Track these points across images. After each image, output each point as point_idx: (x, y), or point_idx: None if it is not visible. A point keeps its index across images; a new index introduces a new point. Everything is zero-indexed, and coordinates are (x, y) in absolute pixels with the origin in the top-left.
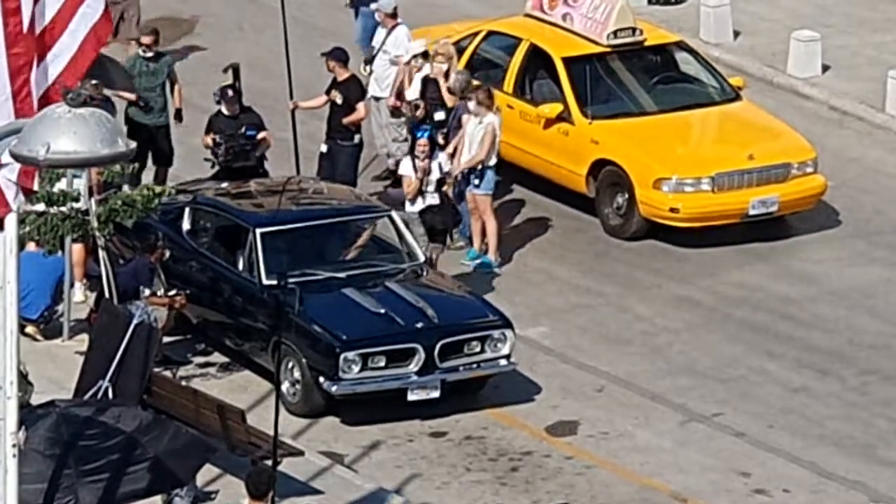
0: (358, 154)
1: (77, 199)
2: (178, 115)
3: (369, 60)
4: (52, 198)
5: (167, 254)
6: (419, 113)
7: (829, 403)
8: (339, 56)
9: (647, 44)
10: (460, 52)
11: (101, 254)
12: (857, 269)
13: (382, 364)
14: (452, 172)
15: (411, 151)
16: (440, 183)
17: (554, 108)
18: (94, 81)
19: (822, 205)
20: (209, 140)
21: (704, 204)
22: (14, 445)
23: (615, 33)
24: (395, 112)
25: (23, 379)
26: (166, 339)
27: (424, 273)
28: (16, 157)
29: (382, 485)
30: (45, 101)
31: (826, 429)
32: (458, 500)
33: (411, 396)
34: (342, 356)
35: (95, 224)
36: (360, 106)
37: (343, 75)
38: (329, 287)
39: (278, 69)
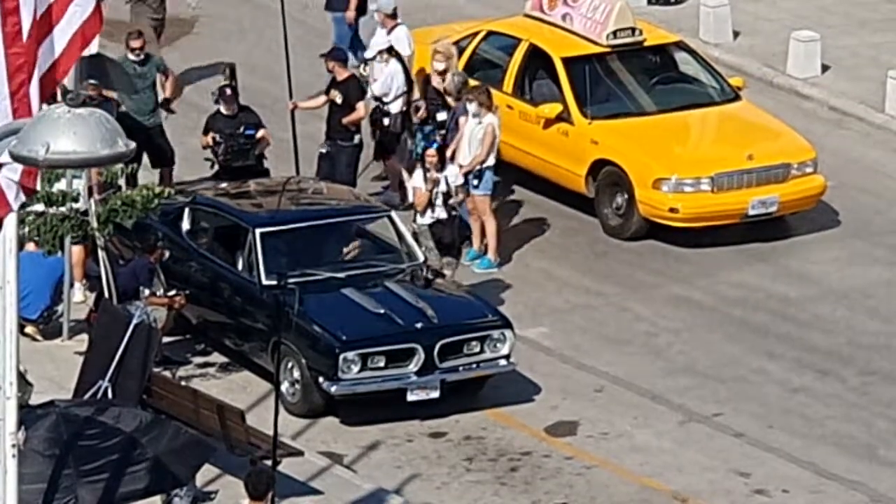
0: (358, 154)
1: (76, 200)
2: (166, 105)
3: (368, 61)
4: (51, 198)
5: (167, 254)
6: (420, 114)
7: (829, 403)
8: (338, 56)
9: (646, 44)
10: (460, 52)
11: (101, 254)
12: (857, 269)
13: (382, 364)
14: (459, 178)
15: (421, 162)
16: (447, 196)
17: (553, 109)
18: (92, 81)
19: (821, 205)
20: (208, 140)
21: (704, 204)
22: (14, 445)
23: (615, 33)
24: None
25: (22, 379)
26: (166, 340)
27: (424, 273)
28: (15, 157)
29: (382, 485)
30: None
31: (826, 429)
32: (457, 500)
33: (411, 396)
34: (342, 356)
35: (95, 224)
36: (360, 106)
37: (342, 75)
38: (328, 287)
39: (278, 69)
